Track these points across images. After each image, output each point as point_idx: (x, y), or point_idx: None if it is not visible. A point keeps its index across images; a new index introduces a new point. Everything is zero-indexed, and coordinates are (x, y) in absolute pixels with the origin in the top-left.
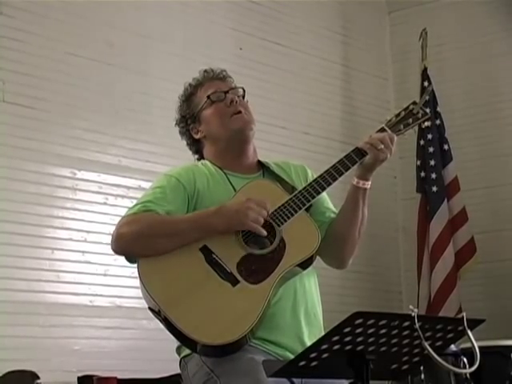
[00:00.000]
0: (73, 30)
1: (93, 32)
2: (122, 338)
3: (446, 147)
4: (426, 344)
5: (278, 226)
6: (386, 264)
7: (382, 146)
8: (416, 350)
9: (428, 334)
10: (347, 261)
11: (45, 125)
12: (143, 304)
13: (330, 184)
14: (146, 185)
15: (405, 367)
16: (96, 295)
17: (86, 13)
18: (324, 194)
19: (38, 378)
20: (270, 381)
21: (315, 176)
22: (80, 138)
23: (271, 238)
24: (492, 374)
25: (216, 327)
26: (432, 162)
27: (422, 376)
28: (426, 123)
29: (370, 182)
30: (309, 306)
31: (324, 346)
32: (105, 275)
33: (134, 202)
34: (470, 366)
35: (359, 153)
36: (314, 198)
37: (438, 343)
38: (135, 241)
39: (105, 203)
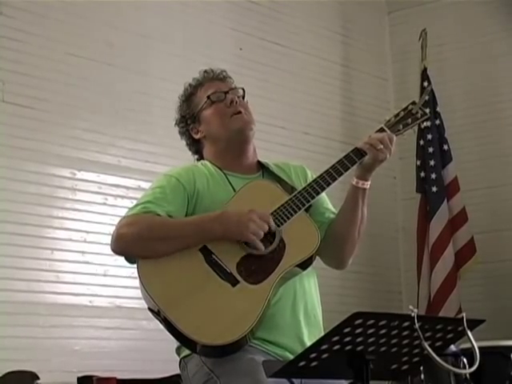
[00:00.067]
0: (73, 30)
1: (93, 32)
2: (122, 338)
3: (445, 147)
4: (426, 344)
5: (278, 226)
6: (385, 264)
7: (382, 146)
8: (416, 351)
9: (428, 334)
10: (347, 261)
11: (45, 125)
12: (143, 304)
13: (329, 184)
14: (146, 185)
15: (405, 367)
16: (96, 295)
17: (86, 13)
18: (323, 195)
19: (37, 378)
20: (270, 381)
21: (315, 176)
22: (80, 139)
23: (271, 239)
24: (492, 374)
25: (216, 327)
26: (432, 162)
27: (422, 376)
28: (426, 123)
29: (369, 182)
30: (308, 307)
31: (324, 347)
32: (104, 275)
33: (134, 202)
34: (470, 366)
35: (358, 153)
36: (313, 198)
37: (438, 343)
38: (135, 242)
39: (104, 203)
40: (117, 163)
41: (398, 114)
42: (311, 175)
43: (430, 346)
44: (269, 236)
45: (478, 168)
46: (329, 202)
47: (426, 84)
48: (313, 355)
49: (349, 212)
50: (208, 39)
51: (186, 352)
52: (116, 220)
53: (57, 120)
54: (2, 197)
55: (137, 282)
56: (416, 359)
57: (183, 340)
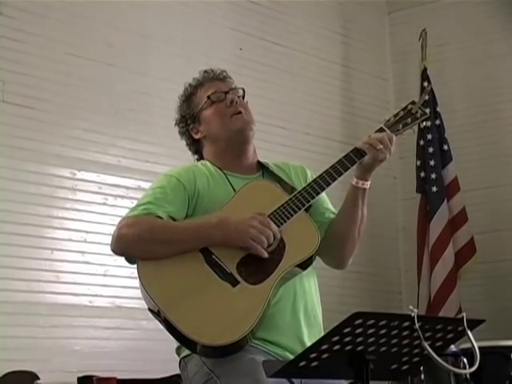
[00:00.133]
0: (73, 31)
1: (93, 32)
2: (122, 338)
3: (445, 147)
4: (426, 344)
5: (278, 226)
6: (385, 264)
7: (381, 146)
8: (416, 351)
9: (428, 334)
10: (347, 261)
11: (45, 125)
12: (143, 304)
13: (329, 184)
14: (146, 185)
15: (405, 367)
16: (96, 296)
17: (86, 13)
18: (323, 195)
19: (37, 378)
20: (270, 381)
21: (314, 177)
22: (80, 139)
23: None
24: (492, 374)
25: (216, 328)
26: (432, 162)
27: (422, 376)
28: (426, 123)
29: (369, 182)
30: (308, 307)
31: (324, 347)
32: (104, 276)
33: (134, 202)
34: (470, 366)
35: (358, 153)
36: (313, 198)
37: (438, 343)
38: (135, 244)
39: (104, 203)
40: (117, 163)
41: (397, 114)
42: (311, 175)
43: (430, 345)
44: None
45: (478, 168)
46: (329, 201)
47: (426, 84)
48: (313, 355)
49: (349, 212)
50: (208, 39)
51: (186, 352)
52: (116, 220)
53: (57, 120)
54: (2, 197)
55: (137, 282)
56: (416, 359)
57: (183, 340)
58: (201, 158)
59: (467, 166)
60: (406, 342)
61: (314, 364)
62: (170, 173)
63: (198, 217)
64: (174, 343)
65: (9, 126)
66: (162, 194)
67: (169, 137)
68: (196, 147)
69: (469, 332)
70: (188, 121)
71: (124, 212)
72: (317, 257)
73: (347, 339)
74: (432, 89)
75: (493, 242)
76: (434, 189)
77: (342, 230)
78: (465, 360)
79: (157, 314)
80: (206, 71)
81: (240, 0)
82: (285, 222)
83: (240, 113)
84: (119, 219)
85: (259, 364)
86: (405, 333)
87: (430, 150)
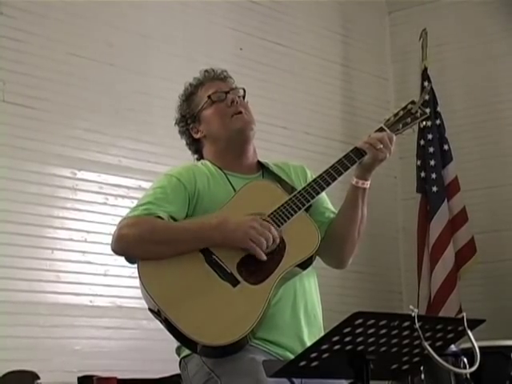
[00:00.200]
0: (73, 30)
1: (93, 32)
2: (122, 338)
3: (446, 147)
4: (426, 344)
5: (278, 226)
6: (386, 264)
7: (381, 146)
8: (416, 350)
9: (428, 334)
10: (347, 260)
11: (45, 125)
12: (143, 304)
13: (329, 184)
14: (147, 185)
15: (405, 367)
16: (96, 295)
17: (86, 13)
18: (323, 195)
19: (38, 378)
20: (271, 381)
21: (314, 176)
22: (80, 138)
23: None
24: (492, 374)
25: (216, 328)
26: (432, 162)
27: (422, 376)
28: (426, 123)
29: (369, 182)
30: (308, 306)
31: (324, 346)
32: (105, 275)
33: (135, 202)
34: (470, 366)
35: (358, 153)
36: (313, 198)
37: (438, 343)
38: (136, 244)
39: (105, 203)
40: (117, 163)
41: (397, 114)
42: (311, 175)
43: (430, 345)
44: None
45: (478, 168)
46: (329, 201)
47: (426, 84)
48: (313, 355)
49: (349, 211)
50: (208, 39)
51: (186, 352)
52: (117, 220)
53: (57, 120)
54: (3, 196)
55: (137, 282)
56: (416, 359)
57: (183, 340)
58: (201, 157)
59: (467, 166)
60: (406, 341)
61: (315, 364)
62: (170, 172)
63: (199, 217)
64: (174, 343)
65: (9, 125)
66: (162, 194)
67: (169, 137)
68: (196, 147)
69: (469, 332)
70: (188, 120)
71: (125, 212)
72: (317, 257)
73: (347, 339)
74: (432, 88)
75: (493, 242)
76: (435, 189)
77: (341, 230)
78: (465, 360)
79: (157, 313)
80: (206, 71)
81: (240, 0)
82: (285, 221)
83: (240, 113)
84: (120, 219)
85: (259, 364)
86: (405, 333)
87: (431, 149)
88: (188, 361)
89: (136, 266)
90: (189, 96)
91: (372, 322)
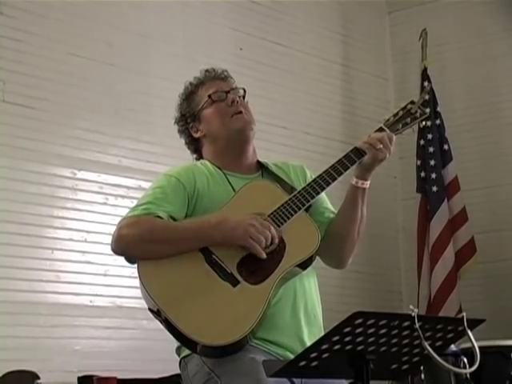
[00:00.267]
0: (73, 30)
1: (93, 32)
2: (122, 338)
3: (445, 147)
4: (426, 344)
5: (278, 226)
6: (386, 264)
7: (381, 146)
8: (416, 350)
9: (428, 333)
10: (346, 260)
11: (45, 125)
12: (143, 304)
13: (329, 184)
14: (147, 185)
15: (405, 367)
16: (96, 295)
17: (86, 13)
18: (323, 195)
19: (38, 378)
20: (271, 381)
21: (314, 176)
22: (80, 138)
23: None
24: (492, 374)
25: (216, 328)
26: (432, 162)
27: (422, 376)
28: (425, 123)
29: (368, 182)
30: (308, 306)
31: (324, 346)
32: (105, 275)
33: (135, 202)
34: (470, 365)
35: (358, 153)
36: (313, 198)
37: (438, 343)
38: (135, 244)
39: (105, 203)
40: (117, 163)
41: (396, 114)
42: (310, 175)
43: (430, 345)
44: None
45: (478, 168)
46: (328, 201)
47: (426, 84)
48: (313, 355)
49: (348, 211)
50: (208, 39)
51: (186, 352)
52: (117, 220)
53: (57, 120)
54: (3, 196)
55: (137, 282)
56: (416, 359)
57: (183, 340)
58: (200, 157)
59: (467, 166)
60: (406, 341)
61: (315, 364)
62: (169, 172)
63: (198, 216)
64: (174, 343)
65: (9, 125)
66: (162, 194)
67: (169, 136)
68: (195, 146)
69: (469, 332)
70: (188, 119)
71: (125, 212)
72: (316, 257)
73: (347, 339)
74: (432, 88)
75: (493, 242)
76: (434, 188)
77: (341, 230)
78: (465, 360)
79: (157, 313)
80: (207, 70)
81: (240, 0)
82: (285, 221)
83: (241, 112)
84: (120, 219)
85: (259, 364)
86: (405, 332)
87: (430, 149)
88: (188, 361)
89: (136, 266)
90: (189, 95)
91: (372, 321)
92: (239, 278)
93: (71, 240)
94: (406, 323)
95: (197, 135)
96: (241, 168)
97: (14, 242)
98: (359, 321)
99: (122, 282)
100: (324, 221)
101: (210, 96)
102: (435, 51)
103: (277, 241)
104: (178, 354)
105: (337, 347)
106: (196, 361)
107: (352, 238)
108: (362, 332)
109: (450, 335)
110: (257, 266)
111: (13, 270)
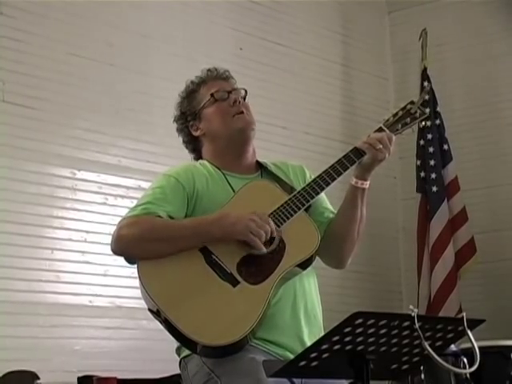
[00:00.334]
0: (73, 30)
1: (93, 32)
2: (122, 338)
3: (445, 147)
4: (426, 344)
5: (278, 226)
6: (386, 264)
7: (381, 146)
8: (416, 350)
9: (428, 333)
10: (346, 260)
11: (45, 125)
12: (143, 304)
13: (328, 184)
14: (146, 185)
15: (405, 367)
16: (96, 295)
17: (86, 13)
18: (322, 195)
19: (38, 378)
20: (271, 381)
21: (313, 176)
22: (80, 138)
23: (271, 239)
24: (492, 374)
25: (216, 328)
26: (432, 162)
27: (422, 376)
28: (425, 123)
29: (368, 182)
30: (308, 306)
31: (324, 346)
32: (105, 275)
33: (134, 202)
34: (470, 366)
35: (357, 153)
36: (313, 198)
37: (438, 343)
38: (135, 244)
39: (104, 203)
40: (117, 163)
41: (396, 114)
42: (310, 175)
43: (430, 345)
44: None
45: (477, 168)
46: (328, 201)
47: (426, 84)
48: (313, 355)
49: (348, 212)
50: (208, 39)
51: (186, 352)
52: (116, 220)
53: (57, 120)
54: (2, 196)
55: (137, 282)
56: (416, 359)
57: (183, 340)
58: (198, 156)
59: (467, 166)
60: (406, 341)
61: (315, 364)
62: (168, 173)
63: (198, 216)
64: (174, 343)
65: (9, 125)
66: (161, 194)
67: (169, 136)
68: (194, 145)
69: (469, 332)
70: (188, 117)
71: (124, 212)
72: (316, 257)
73: (347, 339)
74: (432, 88)
75: (493, 242)
76: (434, 188)
77: (341, 230)
78: (465, 360)
79: (156, 313)
80: (209, 70)
81: (240, 0)
82: (284, 221)
83: (242, 113)
84: (119, 219)
85: (259, 364)
86: (405, 332)
87: (430, 149)
88: (188, 361)
89: (135, 266)
90: (190, 93)
91: (372, 321)
92: (239, 278)
93: (70, 240)
94: (406, 323)
95: (196, 134)
96: (240, 168)
97: (13, 242)
98: (359, 321)
99: (121, 282)
100: (324, 221)
101: (212, 95)
102: (435, 51)
103: (275, 234)
104: (178, 354)
105: (337, 347)
106: (196, 361)
107: (352, 238)
108: (362, 332)
109: (449, 335)
110: (257, 266)
111: (12, 270)
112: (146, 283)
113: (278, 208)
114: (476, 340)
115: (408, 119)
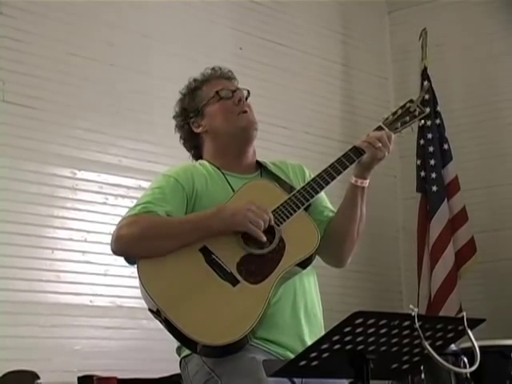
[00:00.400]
0: (73, 30)
1: (93, 32)
2: (123, 338)
3: (445, 147)
4: (427, 343)
5: (278, 225)
6: (386, 264)
7: (380, 145)
8: (416, 350)
9: (428, 333)
10: (346, 259)
11: (45, 125)
12: (143, 304)
13: (328, 183)
14: (147, 185)
15: (405, 367)
16: (96, 295)
17: (86, 13)
18: (322, 194)
19: (38, 378)
20: (271, 380)
21: (313, 175)
22: (80, 138)
23: (271, 238)
24: (492, 373)
25: (216, 328)
26: (432, 162)
27: (423, 376)
28: (425, 122)
29: (368, 181)
30: (308, 305)
31: (324, 346)
32: (105, 275)
33: (134, 201)
34: (471, 365)
35: (357, 151)
36: (312, 197)
37: (439, 343)
38: (135, 242)
39: (105, 203)
40: (117, 163)
41: (395, 112)
42: (309, 174)
43: (430, 345)
44: (269, 236)
45: (478, 167)
46: (327, 200)
47: (425, 82)
48: (313, 354)
49: (348, 210)
50: (209, 39)
51: (187, 352)
52: (117, 220)
53: (57, 120)
54: (3, 196)
55: (137, 282)
56: (416, 358)
57: (183, 340)
58: (197, 153)
59: (467, 166)
60: (406, 341)
61: (315, 363)
62: (168, 173)
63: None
64: (175, 343)
65: (9, 125)
66: (160, 194)
67: (169, 136)
68: (194, 142)
69: (469, 331)
70: (190, 114)
71: (125, 212)
72: (316, 256)
73: (348, 338)
74: (432, 88)
75: (493, 242)
76: (434, 188)
77: (341, 229)
78: (465, 359)
79: (157, 313)
80: (213, 68)
81: (241, 0)
82: (284, 221)
83: (246, 112)
84: (120, 219)
85: (260, 363)
86: (405, 332)
87: (430, 149)
88: (188, 361)
89: (135, 266)
90: (193, 90)
91: (372, 321)
92: (239, 277)
93: (71, 240)
94: (406, 323)
95: (198, 130)
96: (240, 168)
97: (13, 242)
98: (359, 320)
99: (122, 282)
100: (323, 220)
101: (217, 92)
102: (435, 51)
103: (273, 222)
104: (179, 354)
105: (337, 347)
106: (196, 361)
107: (352, 237)
108: (362, 332)
109: (450, 335)
110: (256, 266)
111: (13, 270)
112: (146, 283)
113: (278, 207)
114: (476, 339)
115: (407, 118)
